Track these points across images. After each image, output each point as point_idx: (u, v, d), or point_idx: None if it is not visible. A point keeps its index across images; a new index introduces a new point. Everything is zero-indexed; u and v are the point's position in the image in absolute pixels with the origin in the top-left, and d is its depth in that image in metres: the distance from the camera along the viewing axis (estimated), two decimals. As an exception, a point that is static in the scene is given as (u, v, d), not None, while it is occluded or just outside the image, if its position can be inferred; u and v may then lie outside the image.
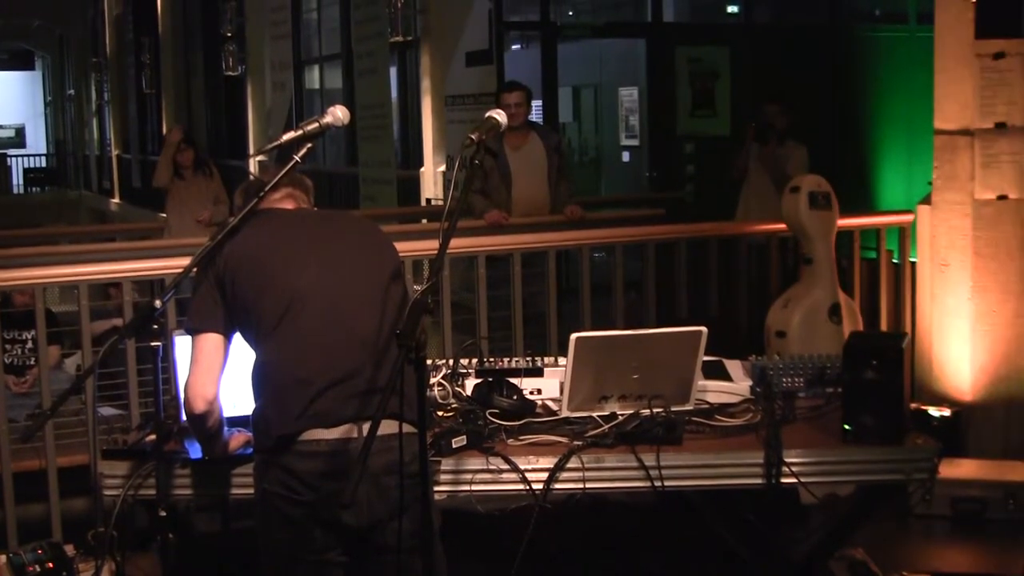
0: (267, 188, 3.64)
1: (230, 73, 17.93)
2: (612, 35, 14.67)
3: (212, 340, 3.59)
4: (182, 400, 3.70)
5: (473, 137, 3.52)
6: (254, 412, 3.58)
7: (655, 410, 4.10)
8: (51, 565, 4.75)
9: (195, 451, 3.96)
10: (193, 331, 3.61)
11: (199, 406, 3.58)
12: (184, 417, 3.73)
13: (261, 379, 3.56)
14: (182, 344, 4.07)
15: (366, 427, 3.37)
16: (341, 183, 14.50)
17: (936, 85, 6.33)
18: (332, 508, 3.43)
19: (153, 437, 3.93)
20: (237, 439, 3.89)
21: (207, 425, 3.66)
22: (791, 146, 8.83)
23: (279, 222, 3.72)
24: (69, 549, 4.88)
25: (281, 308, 3.53)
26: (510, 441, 4.09)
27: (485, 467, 3.97)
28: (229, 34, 17.50)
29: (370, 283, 3.63)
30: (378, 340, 3.52)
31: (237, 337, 3.65)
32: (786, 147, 8.83)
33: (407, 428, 3.32)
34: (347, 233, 3.80)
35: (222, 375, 3.61)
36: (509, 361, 4.62)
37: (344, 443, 3.45)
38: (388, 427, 3.29)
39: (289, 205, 3.80)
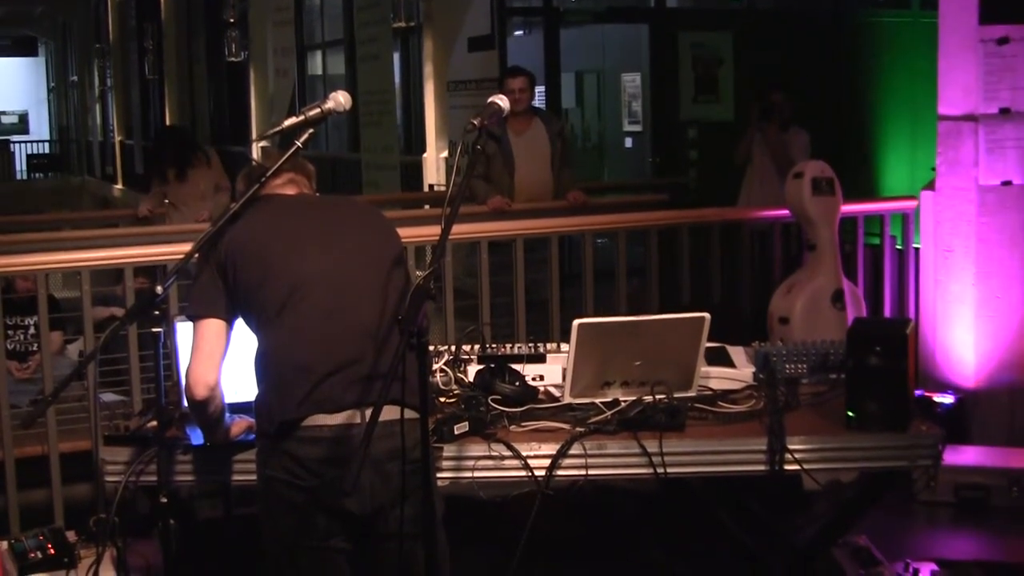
0: (268, 173, 3.63)
1: (233, 59, 17.93)
2: (615, 21, 14.62)
3: (214, 326, 3.59)
4: (183, 386, 3.69)
5: (475, 122, 3.51)
6: (257, 398, 3.58)
7: (658, 396, 4.09)
8: (52, 551, 4.76)
9: (197, 437, 3.95)
10: (195, 317, 3.60)
11: (200, 392, 3.58)
12: (185, 403, 3.73)
13: (264, 365, 3.56)
14: (184, 330, 4.06)
15: (369, 413, 3.36)
16: (344, 169, 14.49)
17: (940, 70, 6.32)
18: (335, 494, 3.42)
19: (155, 423, 3.92)
20: (239, 425, 3.89)
21: (208, 411, 3.65)
22: (794, 131, 8.83)
23: (281, 208, 3.71)
24: (71, 535, 4.88)
25: (283, 294, 3.52)
26: (512, 427, 4.08)
27: (487, 453, 3.96)
28: (232, 20, 17.48)
29: (372, 269, 3.62)
30: (380, 326, 3.51)
31: (238, 323, 3.64)
32: (789, 133, 8.83)
33: (409, 414, 3.32)
34: (349, 219, 3.79)
35: (224, 361, 3.61)
36: (511, 347, 4.61)
37: (346, 429, 3.44)
38: (390, 413, 3.29)
39: (291, 191, 3.79)
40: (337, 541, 3.55)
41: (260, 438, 3.59)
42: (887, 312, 6.97)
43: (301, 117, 3.62)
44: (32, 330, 7.19)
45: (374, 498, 3.48)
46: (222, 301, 3.58)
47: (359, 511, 3.50)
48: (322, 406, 3.44)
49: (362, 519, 3.52)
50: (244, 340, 3.66)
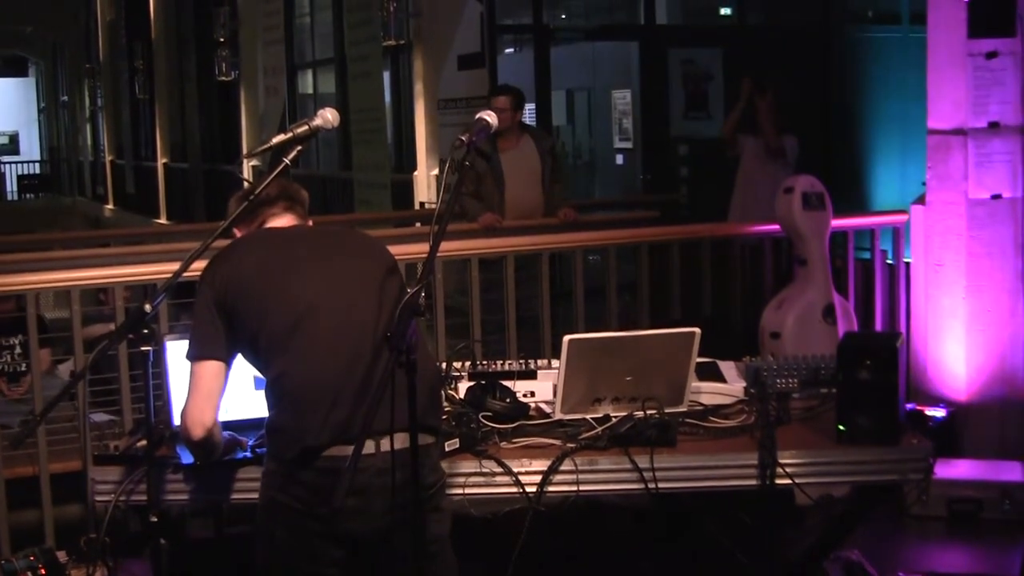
0: (259, 190, 3.62)
1: (223, 78, 17.96)
2: (605, 38, 14.66)
3: (212, 367, 3.57)
4: (179, 426, 3.68)
5: (463, 139, 3.51)
6: (271, 421, 3.54)
7: (649, 412, 4.08)
8: (43, 571, 4.74)
9: (187, 456, 3.94)
10: (194, 358, 3.58)
11: (197, 433, 3.56)
12: (181, 444, 3.73)
13: (278, 390, 3.52)
14: (174, 349, 4.05)
15: (383, 441, 3.38)
16: (335, 187, 14.51)
17: (929, 85, 6.33)
18: (347, 522, 3.43)
19: (144, 442, 3.91)
20: (230, 445, 3.88)
21: (205, 450, 3.67)
22: (785, 137, 8.91)
23: (275, 239, 3.73)
24: (61, 555, 4.86)
25: (291, 321, 3.50)
26: (503, 444, 4.08)
27: (478, 470, 3.96)
28: (222, 39, 17.52)
29: (371, 290, 3.60)
30: (384, 348, 3.49)
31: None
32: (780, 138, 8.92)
33: (423, 439, 3.33)
34: (342, 244, 3.80)
35: (221, 401, 3.60)
36: (502, 364, 4.61)
37: (365, 459, 3.40)
38: (405, 440, 3.30)
39: (286, 220, 3.79)
40: (335, 569, 3.54)
41: (272, 461, 3.56)
42: (878, 326, 6.97)
43: (289, 134, 3.62)
44: (18, 349, 7.16)
45: (385, 524, 3.46)
46: (221, 341, 3.57)
47: (369, 537, 3.49)
48: (341, 434, 3.42)
49: (369, 544, 3.52)
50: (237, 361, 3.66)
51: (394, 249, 3.96)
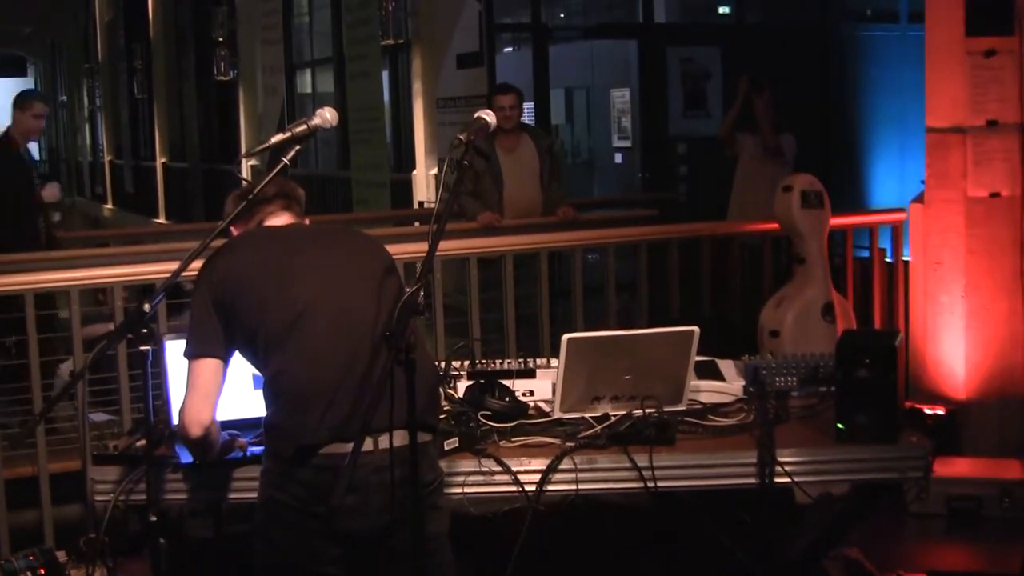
0: (257, 189, 3.62)
1: (222, 78, 17.95)
2: (603, 36, 14.66)
3: (211, 365, 3.57)
4: (177, 424, 3.68)
5: (461, 138, 3.51)
6: (268, 419, 3.55)
7: (648, 411, 4.08)
8: (43, 571, 4.73)
9: (186, 456, 3.94)
10: (191, 356, 3.58)
11: (195, 432, 3.56)
12: (180, 442, 3.73)
13: (275, 388, 3.52)
14: (173, 349, 4.05)
15: (381, 439, 3.38)
16: (333, 187, 14.49)
17: (927, 83, 6.32)
18: (345, 520, 3.43)
19: (144, 442, 3.91)
20: (229, 445, 3.87)
21: (203, 447, 3.67)
22: (782, 136, 8.92)
23: (273, 238, 3.72)
24: (61, 555, 4.86)
25: (289, 319, 3.50)
26: (502, 443, 4.08)
27: (477, 469, 3.96)
28: (221, 39, 17.51)
29: (369, 289, 3.60)
30: (383, 347, 3.49)
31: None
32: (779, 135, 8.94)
33: (421, 437, 3.33)
34: (343, 243, 3.79)
35: (219, 399, 3.60)
36: (501, 363, 4.61)
37: (362, 456, 3.40)
38: (403, 438, 3.30)
39: (283, 218, 3.79)
40: (333, 567, 3.54)
41: (270, 459, 3.56)
42: (877, 324, 6.97)
43: (288, 133, 3.61)
44: (13, 350, 7.13)
45: (383, 523, 3.46)
46: (219, 339, 3.57)
47: (367, 535, 3.49)
48: (338, 432, 3.42)
49: (364, 543, 3.52)
50: (236, 359, 3.66)
51: (393, 248, 3.95)
